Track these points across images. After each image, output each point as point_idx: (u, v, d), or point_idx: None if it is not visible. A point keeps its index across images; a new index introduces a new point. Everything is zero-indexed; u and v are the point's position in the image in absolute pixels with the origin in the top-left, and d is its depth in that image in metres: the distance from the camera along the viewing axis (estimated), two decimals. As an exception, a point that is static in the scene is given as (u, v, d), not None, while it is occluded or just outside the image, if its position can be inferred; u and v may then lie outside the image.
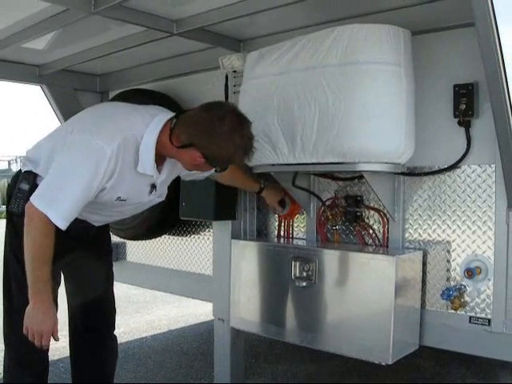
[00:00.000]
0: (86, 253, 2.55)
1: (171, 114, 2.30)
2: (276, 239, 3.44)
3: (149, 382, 3.78)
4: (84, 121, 2.29)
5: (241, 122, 2.20)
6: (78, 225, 2.30)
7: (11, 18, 3.04)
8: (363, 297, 2.68)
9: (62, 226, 2.09)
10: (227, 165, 2.41)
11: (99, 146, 2.07)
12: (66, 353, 4.25)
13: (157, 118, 2.24)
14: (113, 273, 2.79)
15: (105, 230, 2.69)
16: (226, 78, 3.54)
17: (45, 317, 2.11)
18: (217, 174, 2.77)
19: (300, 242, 3.28)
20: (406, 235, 2.90)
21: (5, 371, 2.50)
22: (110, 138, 2.10)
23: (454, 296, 2.64)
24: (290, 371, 3.98)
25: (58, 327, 2.19)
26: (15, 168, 25.39)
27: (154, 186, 2.36)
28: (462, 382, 3.73)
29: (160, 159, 2.29)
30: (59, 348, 4.45)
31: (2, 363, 2.53)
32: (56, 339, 2.17)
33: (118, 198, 2.26)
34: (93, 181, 2.09)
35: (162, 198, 2.54)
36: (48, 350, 2.41)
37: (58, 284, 2.53)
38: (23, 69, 4.01)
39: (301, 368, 4.03)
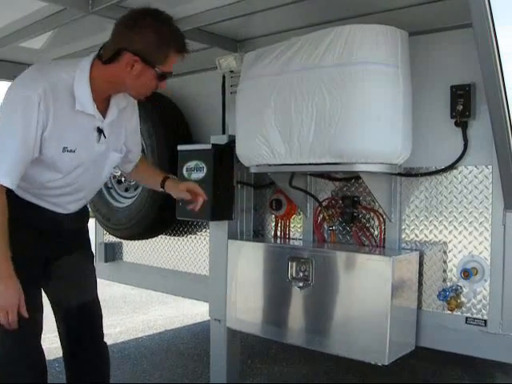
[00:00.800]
0: (66, 256, 2.37)
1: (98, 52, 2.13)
2: (273, 239, 3.44)
3: (145, 381, 3.77)
4: (17, 78, 2.10)
5: (161, 13, 2.04)
6: (49, 219, 2.21)
7: (8, 17, 3.04)
8: (360, 297, 2.68)
9: (8, 183, 1.95)
10: (163, 59, 2.04)
11: (25, 94, 1.95)
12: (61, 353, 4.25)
13: (87, 56, 2.11)
14: (96, 278, 2.62)
15: (83, 232, 2.50)
16: (223, 78, 3.54)
17: (6, 291, 1.97)
18: (124, 167, 2.53)
19: (297, 243, 3.28)
20: (403, 236, 2.90)
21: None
22: (35, 84, 1.97)
23: (450, 297, 2.65)
24: (286, 372, 3.98)
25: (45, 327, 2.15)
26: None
27: (100, 131, 2.15)
28: (458, 383, 3.74)
29: (101, 101, 2.12)
30: (57, 348, 4.45)
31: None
32: (24, 315, 2.01)
33: (65, 149, 2.07)
34: (27, 131, 1.95)
35: (121, 154, 2.35)
36: (41, 351, 2.29)
37: (40, 289, 2.33)
38: (20, 68, 3.97)
39: (297, 368, 4.03)
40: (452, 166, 2.70)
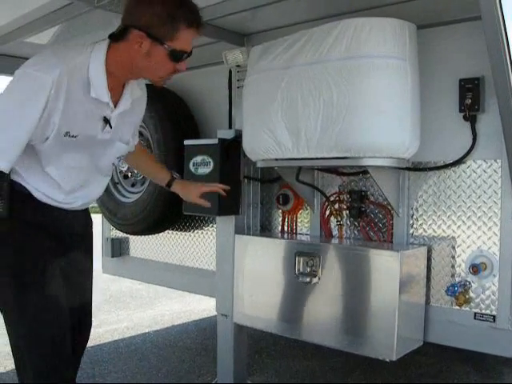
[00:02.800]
0: (74, 256, 2.25)
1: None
2: (280, 234, 3.43)
3: (152, 376, 3.77)
4: (30, 59, 1.99)
5: None
6: (52, 212, 2.09)
7: (14, 12, 3.03)
8: (367, 293, 2.67)
9: (2, 166, 1.86)
10: (173, 33, 1.90)
11: (37, 76, 1.85)
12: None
13: (102, 40, 1.99)
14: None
15: (87, 234, 2.37)
16: (230, 72, 3.53)
17: None
18: (130, 155, 2.44)
19: (304, 238, 3.27)
20: (411, 231, 2.88)
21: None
22: (50, 68, 1.85)
23: (458, 292, 2.63)
24: (293, 367, 3.97)
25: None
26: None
27: (106, 121, 2.04)
28: (466, 379, 3.72)
29: (116, 89, 2.03)
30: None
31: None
32: None
33: (67, 134, 1.95)
34: (31, 113, 1.85)
35: (128, 146, 2.26)
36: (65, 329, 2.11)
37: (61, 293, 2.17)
38: (26, 63, 4.00)
39: (304, 364, 4.02)
40: (461, 161, 2.68)
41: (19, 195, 2.01)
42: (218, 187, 2.65)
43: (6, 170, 1.88)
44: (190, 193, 2.55)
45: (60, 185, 2.07)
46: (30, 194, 2.03)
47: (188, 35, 1.93)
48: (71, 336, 2.17)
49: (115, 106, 2.04)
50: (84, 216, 2.29)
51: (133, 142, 2.36)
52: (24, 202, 2.03)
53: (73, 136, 1.97)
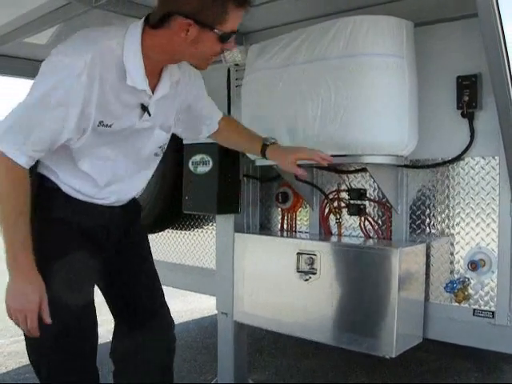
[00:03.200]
0: (123, 259, 2.13)
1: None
2: (279, 233, 3.43)
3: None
4: (58, 45, 1.79)
5: None
6: (84, 208, 1.93)
7: (12, 12, 3.04)
8: (367, 290, 2.68)
9: (20, 160, 1.70)
10: (222, 16, 1.72)
11: (65, 63, 1.67)
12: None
13: (135, 22, 1.81)
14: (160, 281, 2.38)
15: (135, 230, 2.23)
16: (228, 71, 3.53)
17: (26, 290, 1.71)
18: (214, 133, 2.34)
19: (303, 236, 3.27)
20: (410, 228, 2.89)
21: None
22: (79, 53, 1.68)
23: (457, 289, 2.63)
24: (293, 366, 3.98)
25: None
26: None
27: (144, 108, 1.87)
28: (466, 376, 3.73)
29: (153, 74, 1.85)
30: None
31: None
32: (46, 320, 1.75)
33: (101, 123, 1.78)
34: (56, 104, 1.66)
35: (167, 133, 2.07)
36: (94, 336, 2.06)
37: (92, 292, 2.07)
38: (25, 64, 4.00)
39: (305, 362, 4.03)
40: (459, 158, 2.69)
41: (46, 190, 1.88)
42: (319, 156, 2.24)
43: (25, 166, 1.72)
44: (286, 160, 2.24)
45: (93, 178, 1.91)
46: (58, 189, 1.89)
47: (237, 14, 1.75)
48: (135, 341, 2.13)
49: (153, 92, 1.87)
50: (126, 214, 2.11)
51: (214, 115, 2.29)
52: (51, 197, 1.90)
53: (107, 125, 1.80)
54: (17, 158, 1.69)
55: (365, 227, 3.04)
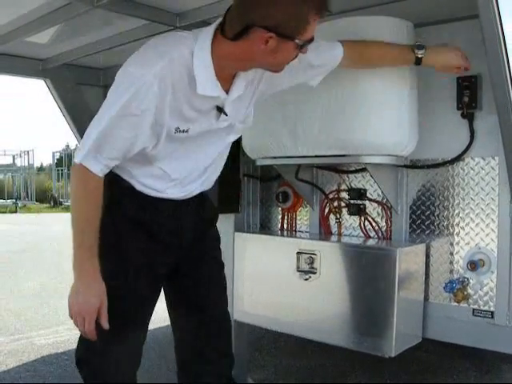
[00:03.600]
0: (193, 265, 2.12)
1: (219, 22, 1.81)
2: (279, 232, 3.44)
3: (153, 374, 3.78)
4: (132, 55, 1.83)
5: None
6: (157, 207, 1.95)
7: (14, 12, 3.04)
8: (366, 289, 2.69)
9: (94, 167, 1.74)
10: (302, 27, 1.70)
11: (139, 74, 1.69)
12: (71, 346, 4.28)
13: (206, 29, 1.80)
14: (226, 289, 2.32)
15: (211, 236, 2.23)
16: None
17: (86, 293, 1.75)
18: (344, 61, 2.21)
19: (303, 235, 3.28)
20: (409, 228, 2.90)
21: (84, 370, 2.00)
22: (150, 64, 1.70)
23: (457, 289, 2.65)
24: (293, 365, 3.99)
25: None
26: (20, 163, 25.49)
27: (220, 109, 1.87)
28: (465, 375, 3.73)
29: (225, 76, 1.83)
30: (64, 341, 4.49)
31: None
32: (104, 326, 1.77)
33: (177, 130, 1.81)
34: (130, 114, 1.70)
35: (247, 125, 2.07)
36: (137, 346, 2.04)
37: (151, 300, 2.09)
38: (27, 63, 4.00)
39: (305, 361, 4.03)
40: (458, 158, 2.70)
41: (120, 189, 1.91)
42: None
43: (100, 174, 1.77)
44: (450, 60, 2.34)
45: (168, 174, 1.93)
46: (132, 188, 1.92)
47: (315, 22, 1.73)
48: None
49: (227, 93, 1.85)
50: (201, 219, 2.12)
51: (336, 52, 2.18)
52: (124, 196, 1.93)
53: (183, 131, 1.83)
54: (92, 167, 1.74)
55: (365, 227, 3.05)
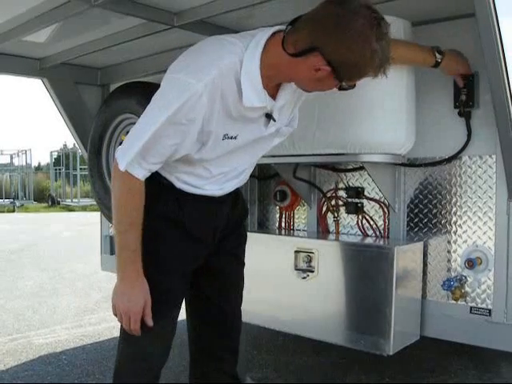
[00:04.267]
0: (218, 260, 2.13)
1: (278, 28, 1.77)
2: (277, 231, 3.45)
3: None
4: (178, 61, 1.82)
5: (378, 19, 1.63)
6: (192, 205, 1.94)
7: (12, 11, 3.04)
8: (364, 288, 2.69)
9: (136, 172, 1.76)
10: (355, 78, 1.71)
11: (189, 83, 1.66)
12: (69, 345, 4.27)
13: (257, 36, 1.75)
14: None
15: (240, 233, 2.24)
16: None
17: (132, 293, 1.81)
18: None
19: (301, 234, 3.29)
20: (407, 226, 2.91)
21: (117, 369, 2.06)
22: (201, 73, 1.67)
23: (454, 286, 2.65)
24: (292, 363, 3.99)
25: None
26: (17, 162, 25.46)
27: (269, 116, 1.85)
28: (464, 374, 3.74)
29: (273, 84, 1.81)
30: (62, 341, 4.48)
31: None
32: (148, 323, 1.84)
33: (225, 136, 1.80)
34: (177, 123, 1.68)
35: (294, 127, 2.06)
36: (170, 340, 2.09)
37: (183, 296, 2.14)
38: (24, 62, 4.00)
39: (303, 360, 4.04)
40: (456, 156, 2.71)
41: (157, 187, 1.91)
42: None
43: (142, 178, 1.79)
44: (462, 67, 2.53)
45: (211, 171, 1.93)
46: (172, 186, 1.93)
47: (366, 78, 1.73)
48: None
49: (274, 99, 1.83)
50: (234, 208, 2.11)
51: None
52: (162, 194, 1.93)
53: (232, 137, 1.83)
54: (135, 172, 1.76)
55: (362, 225, 3.06)
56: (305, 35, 1.63)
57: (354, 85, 1.77)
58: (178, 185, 1.92)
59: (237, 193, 2.11)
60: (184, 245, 1.96)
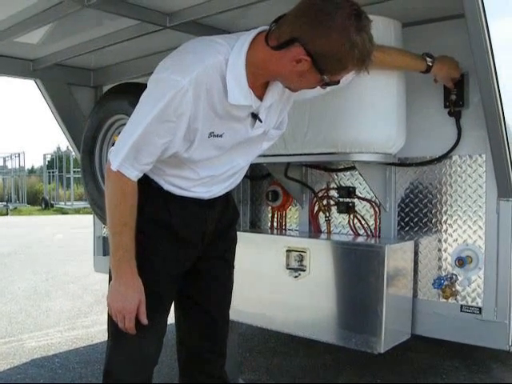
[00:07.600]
0: (207, 263, 2.15)
1: (264, 27, 1.78)
2: (269, 230, 3.46)
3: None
4: (164, 62, 1.82)
5: (359, 14, 1.65)
6: (182, 207, 1.97)
7: (4, 12, 3.04)
8: (355, 286, 2.70)
9: (129, 173, 1.78)
10: (336, 71, 1.70)
11: (174, 80, 1.68)
12: (62, 348, 4.27)
13: (243, 36, 1.77)
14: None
15: (229, 238, 2.26)
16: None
17: (126, 292, 1.83)
18: None
19: (293, 233, 3.30)
20: (398, 225, 2.92)
21: (107, 370, 2.05)
22: (186, 70, 1.69)
23: (445, 285, 2.67)
24: (284, 365, 4.00)
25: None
26: (10, 165, 25.40)
27: (255, 116, 1.86)
28: (455, 374, 3.76)
29: (259, 84, 1.81)
30: (54, 344, 4.48)
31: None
32: (143, 321, 1.85)
33: (211, 134, 1.81)
34: (165, 120, 1.71)
35: (282, 130, 2.08)
36: (161, 342, 2.10)
37: (171, 299, 2.12)
38: (17, 63, 4.01)
39: (295, 361, 4.05)
40: (446, 155, 2.72)
41: (146, 189, 1.91)
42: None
43: (135, 179, 1.81)
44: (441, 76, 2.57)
45: (198, 173, 1.94)
46: (159, 188, 1.96)
47: (349, 72, 1.77)
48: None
49: (261, 100, 1.84)
50: (224, 212, 2.13)
51: None
52: (150, 197, 1.94)
53: (218, 135, 1.84)
54: (127, 172, 1.79)
55: (354, 225, 3.08)
56: (286, 28, 1.65)
57: (338, 81, 1.77)
58: (166, 187, 1.94)
59: (227, 197, 2.13)
60: (172, 247, 1.98)
